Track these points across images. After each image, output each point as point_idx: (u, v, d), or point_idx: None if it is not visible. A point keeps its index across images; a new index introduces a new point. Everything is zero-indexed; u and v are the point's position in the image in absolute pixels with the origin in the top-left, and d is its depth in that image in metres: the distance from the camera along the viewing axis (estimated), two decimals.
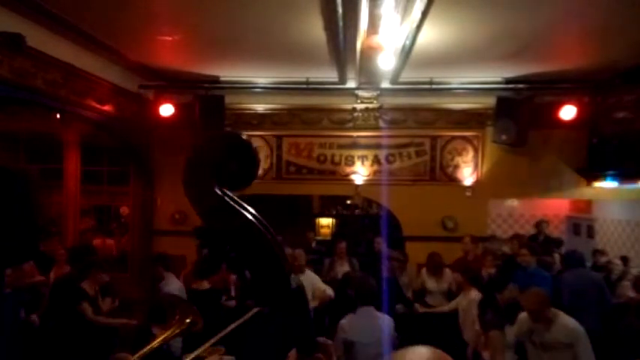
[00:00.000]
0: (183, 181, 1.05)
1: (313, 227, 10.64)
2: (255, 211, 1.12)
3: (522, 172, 7.12)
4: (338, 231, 10.53)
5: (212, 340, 2.46)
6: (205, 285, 5.40)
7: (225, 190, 1.06)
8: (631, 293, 5.53)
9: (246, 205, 1.07)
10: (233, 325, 2.30)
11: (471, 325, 4.97)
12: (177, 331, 2.51)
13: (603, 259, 6.69)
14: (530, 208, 9.88)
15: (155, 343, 2.41)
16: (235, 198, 1.07)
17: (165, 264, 5.52)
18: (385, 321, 3.92)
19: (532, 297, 3.95)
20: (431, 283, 6.17)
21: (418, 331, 5.38)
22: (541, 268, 5.79)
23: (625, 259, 6.93)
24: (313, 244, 7.93)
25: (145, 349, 2.35)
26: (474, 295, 5.14)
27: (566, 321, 3.88)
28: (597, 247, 8.08)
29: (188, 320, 2.54)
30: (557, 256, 6.84)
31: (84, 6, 4.57)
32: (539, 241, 7.90)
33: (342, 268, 6.47)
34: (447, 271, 6.23)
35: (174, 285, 5.29)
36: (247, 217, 1.05)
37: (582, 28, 4.98)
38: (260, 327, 2.91)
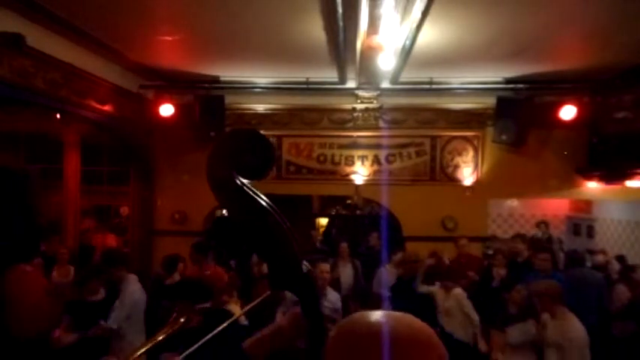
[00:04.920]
0: (206, 172, 1.15)
1: (313, 227, 10.65)
2: None
3: (522, 172, 7.11)
4: (328, 230, 10.56)
5: (235, 317, 2.50)
6: (177, 278, 5.42)
7: (244, 181, 1.16)
8: (626, 293, 5.48)
9: (262, 195, 1.17)
10: (248, 307, 2.35)
11: (463, 322, 4.98)
12: (170, 331, 2.52)
13: (599, 259, 6.67)
14: (531, 208, 9.88)
15: (148, 347, 2.42)
16: (253, 189, 1.17)
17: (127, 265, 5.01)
18: None
19: (542, 284, 4.11)
20: None
21: None
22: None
23: (621, 259, 6.92)
24: (318, 244, 7.87)
25: (139, 351, 2.36)
26: (459, 292, 5.14)
27: (569, 320, 3.86)
28: (597, 247, 8.09)
29: (182, 320, 2.57)
30: (561, 256, 6.85)
31: (84, 6, 4.57)
32: (543, 241, 7.90)
33: (345, 269, 6.45)
34: None
35: (133, 287, 4.72)
36: (264, 205, 1.15)
37: (582, 28, 4.98)
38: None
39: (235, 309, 4.39)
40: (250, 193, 1.15)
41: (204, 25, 4.97)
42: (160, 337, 2.48)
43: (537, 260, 5.55)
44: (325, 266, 4.82)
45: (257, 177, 1.18)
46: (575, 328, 3.80)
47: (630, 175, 6.48)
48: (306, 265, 1.16)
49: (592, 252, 7.09)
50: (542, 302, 3.92)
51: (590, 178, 7.03)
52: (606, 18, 4.57)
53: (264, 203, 1.15)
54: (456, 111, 7.26)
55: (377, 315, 0.83)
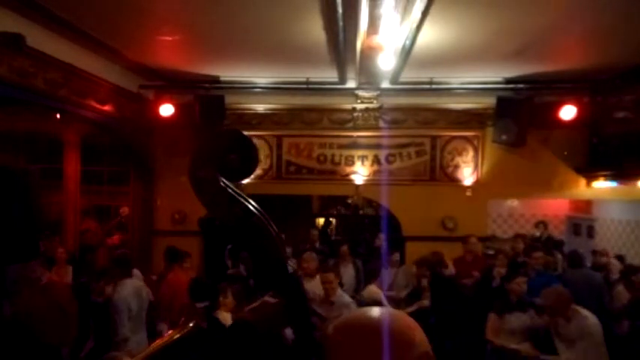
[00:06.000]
0: (188, 174, 1.14)
1: (313, 227, 10.64)
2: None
3: (522, 172, 7.10)
4: (324, 230, 10.56)
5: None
6: None
7: (228, 182, 1.15)
8: (625, 294, 5.47)
9: (246, 197, 1.16)
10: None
11: None
12: (178, 335, 2.52)
13: (603, 260, 6.66)
14: (530, 208, 9.87)
15: (152, 348, 2.42)
16: (237, 190, 1.15)
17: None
18: None
19: (551, 294, 4.21)
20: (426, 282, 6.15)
21: None
22: (545, 268, 5.79)
23: (621, 258, 6.91)
24: (317, 245, 7.86)
25: (144, 353, 2.36)
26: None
27: (584, 318, 4.07)
28: (597, 247, 8.08)
29: (191, 324, 2.56)
30: (559, 257, 6.83)
31: (84, 6, 4.58)
32: (542, 242, 7.89)
33: (347, 270, 6.44)
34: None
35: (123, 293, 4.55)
36: (248, 207, 1.14)
37: (582, 28, 4.98)
38: None
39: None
40: (234, 194, 1.13)
41: (204, 25, 4.97)
42: (168, 341, 2.48)
43: (531, 260, 5.70)
44: (329, 276, 4.68)
45: (241, 178, 1.17)
46: (591, 323, 4.02)
47: (630, 175, 6.48)
48: (291, 266, 1.16)
49: (595, 253, 7.06)
50: (555, 311, 4.10)
51: (590, 178, 7.03)
52: (606, 18, 4.57)
53: (248, 205, 1.14)
54: (456, 111, 7.25)
55: (374, 311, 0.87)
